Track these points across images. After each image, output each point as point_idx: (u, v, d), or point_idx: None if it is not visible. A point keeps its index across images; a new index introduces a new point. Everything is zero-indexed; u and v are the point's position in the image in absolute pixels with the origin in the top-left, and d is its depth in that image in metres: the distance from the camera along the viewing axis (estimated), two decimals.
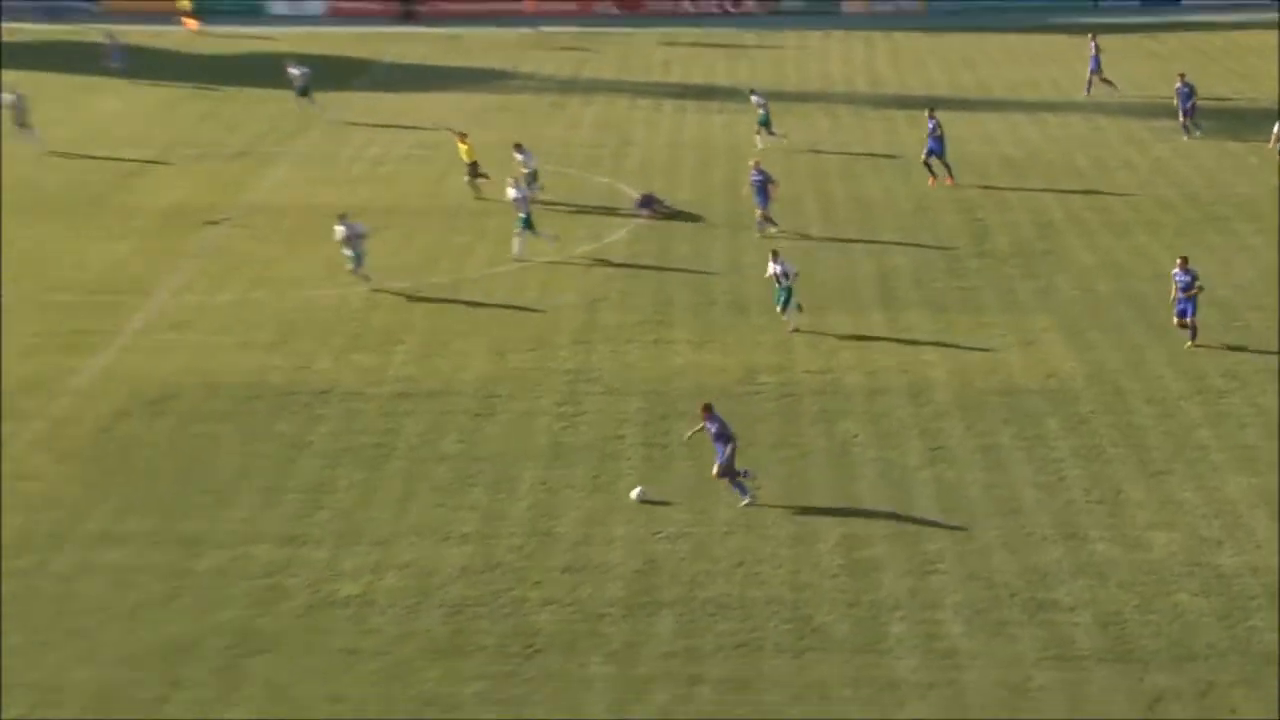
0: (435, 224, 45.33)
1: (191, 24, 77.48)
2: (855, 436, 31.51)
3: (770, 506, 28.53)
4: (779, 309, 36.73)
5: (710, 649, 24.04)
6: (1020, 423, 32.02)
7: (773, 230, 43.56)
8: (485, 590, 25.74)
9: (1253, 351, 35.44)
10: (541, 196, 45.36)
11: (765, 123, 53.82)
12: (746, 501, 28.51)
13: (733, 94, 61.30)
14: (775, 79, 66.77)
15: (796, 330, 36.46)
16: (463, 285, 40.39)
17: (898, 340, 36.60)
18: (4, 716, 22.30)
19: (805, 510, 28.48)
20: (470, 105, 61.52)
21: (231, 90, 64.03)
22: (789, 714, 22.43)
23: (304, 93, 59.78)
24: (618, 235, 44.97)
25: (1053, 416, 32.35)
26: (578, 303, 39.15)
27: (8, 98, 54.15)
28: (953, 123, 56.96)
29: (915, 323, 37.68)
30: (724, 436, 28.60)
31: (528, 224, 41.92)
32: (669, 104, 61.87)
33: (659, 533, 27.57)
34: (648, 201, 46.87)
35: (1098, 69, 61.81)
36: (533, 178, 45.76)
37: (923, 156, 49.49)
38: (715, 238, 44.03)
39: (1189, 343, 35.26)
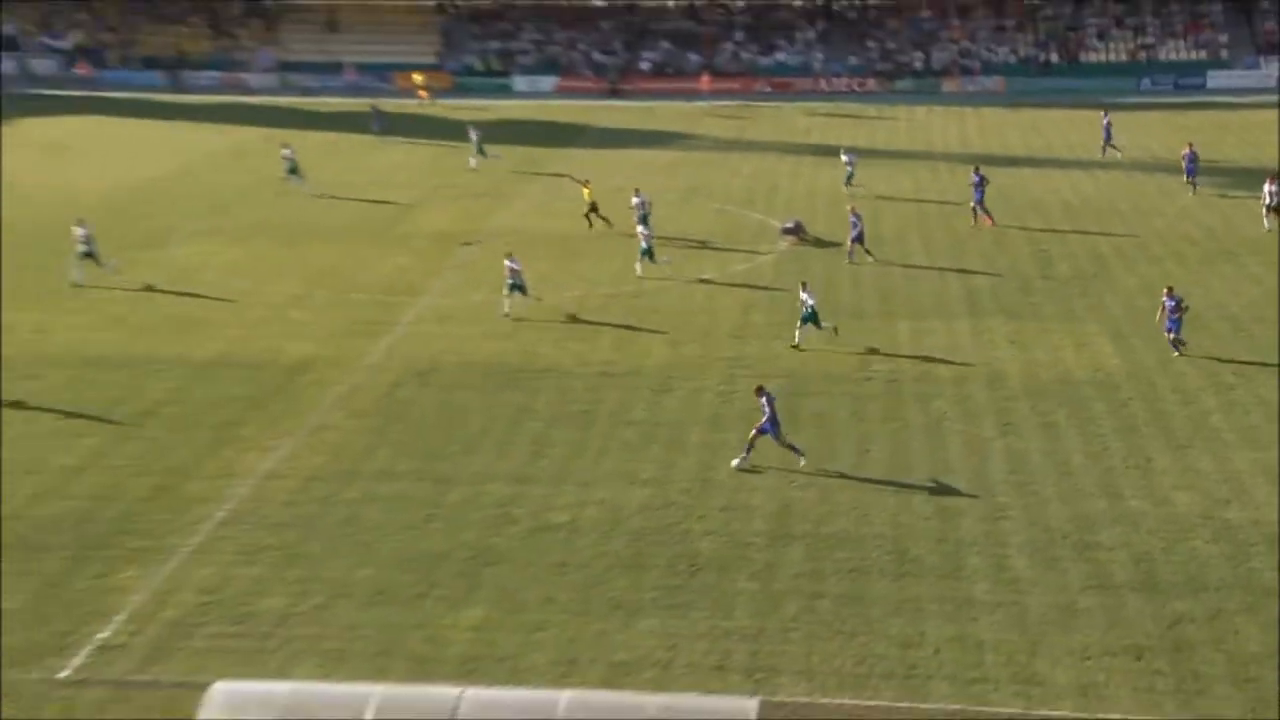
0: (628, 247, 45.32)
1: (424, 95, 77.62)
2: (945, 414, 30.89)
3: (878, 465, 28.11)
4: (798, 326, 35.00)
5: (829, 572, 23.72)
6: (1073, 406, 31.19)
7: (869, 259, 42.75)
8: (660, 522, 25.65)
9: (1257, 355, 34.24)
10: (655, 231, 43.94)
11: (850, 176, 53.06)
12: (740, 461, 27.80)
13: (863, 153, 60.40)
14: (889, 142, 65.95)
15: (796, 346, 34.85)
16: (646, 293, 40.30)
17: (979, 341, 35.86)
18: (309, 605, 22.63)
19: (905, 468, 27.99)
20: (658, 159, 61.46)
21: (486, 147, 64.65)
22: (890, 623, 22.05)
23: (480, 150, 59.60)
24: (766, 257, 44.58)
25: (1099, 401, 31.48)
26: (735, 307, 38.88)
27: (285, 151, 54.39)
28: (1024, 177, 56.02)
29: (993, 327, 36.86)
30: (771, 412, 27.81)
31: (647, 252, 41.45)
32: (808, 159, 61.27)
33: (793, 482, 27.26)
34: (796, 228, 46.33)
35: (1109, 138, 60.24)
36: (644, 219, 44.38)
37: (971, 203, 48.36)
38: (839, 260, 43.43)
39: (1175, 353, 34.08)
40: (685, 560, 24.15)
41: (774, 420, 27.80)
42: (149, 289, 40.68)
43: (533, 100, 79.79)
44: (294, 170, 53.51)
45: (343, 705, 17.34)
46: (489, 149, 59.69)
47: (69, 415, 30.74)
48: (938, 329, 36.85)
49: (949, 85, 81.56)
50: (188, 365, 34.11)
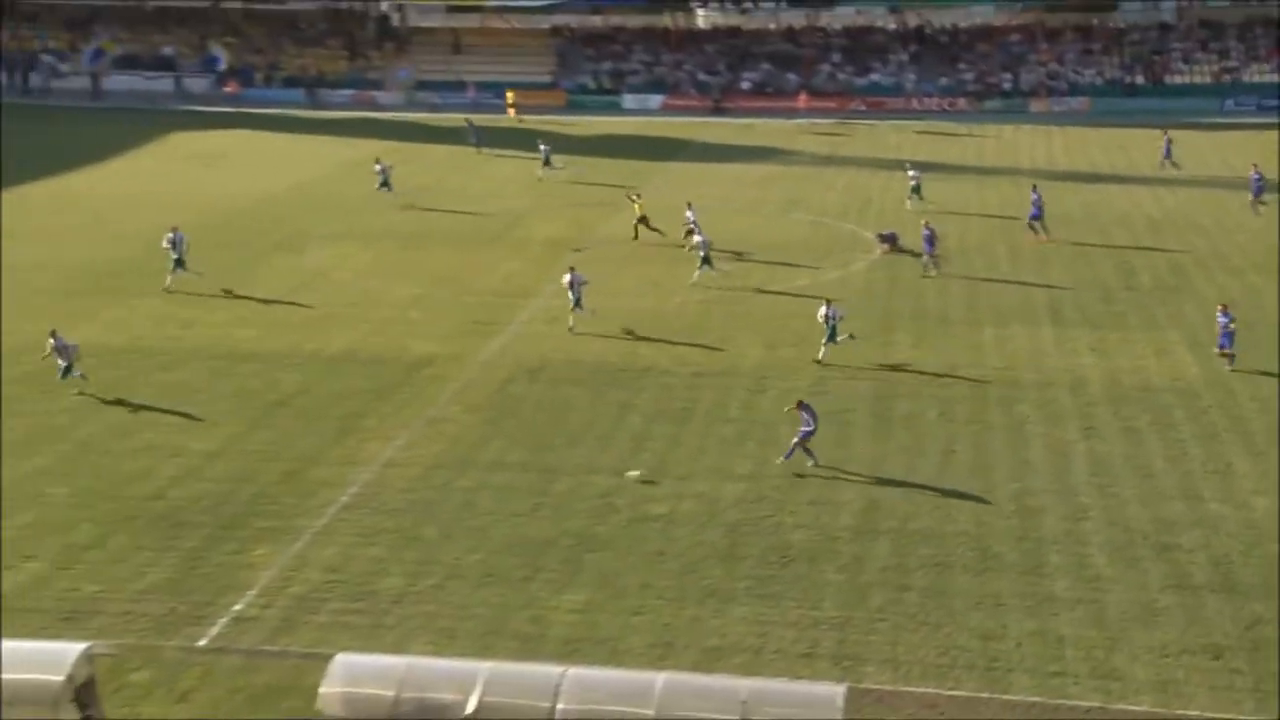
0: (724, 253, 44.94)
1: (513, 111, 77.53)
2: (1027, 417, 30.12)
3: (962, 465, 27.47)
4: (825, 341, 33.76)
5: (914, 566, 23.21)
6: (1154, 411, 30.23)
7: (933, 273, 41.80)
8: (754, 515, 25.31)
9: None
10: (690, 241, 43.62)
11: (916, 189, 51.85)
12: (785, 460, 27.23)
13: (944, 169, 59.55)
14: (977, 158, 64.62)
15: (820, 361, 33.64)
16: (744, 299, 39.88)
17: (1063, 348, 34.94)
18: (424, 585, 22.64)
19: (988, 469, 27.32)
20: (755, 174, 60.88)
21: (591, 160, 64.71)
22: (972, 616, 21.50)
23: (546, 162, 59.66)
24: (858, 265, 43.90)
25: (1179, 408, 30.48)
26: (828, 313, 38.25)
27: (378, 166, 54.55)
28: (1109, 193, 54.61)
29: (1076, 336, 35.90)
30: (810, 421, 27.17)
31: (706, 260, 40.85)
32: (899, 174, 60.10)
33: (880, 480, 26.73)
34: (891, 238, 45.59)
35: (1168, 154, 58.80)
36: (690, 231, 43.89)
37: (1027, 220, 46.75)
38: (939, 268, 42.57)
39: (1228, 367, 32.70)
40: (777, 552, 23.78)
41: (811, 425, 27.16)
42: (262, 299, 41.23)
43: (639, 117, 79.65)
44: (385, 183, 53.86)
45: (453, 681, 17.26)
46: (558, 159, 59.90)
47: (208, 403, 31.19)
48: (1022, 336, 35.97)
49: (1037, 105, 79.82)
50: (318, 360, 34.46)
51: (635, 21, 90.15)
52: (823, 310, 33.79)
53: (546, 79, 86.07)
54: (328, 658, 18.07)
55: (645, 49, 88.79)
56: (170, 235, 40.83)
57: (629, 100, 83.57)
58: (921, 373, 33.02)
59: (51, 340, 31.57)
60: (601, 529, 24.82)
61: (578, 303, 36.42)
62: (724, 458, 28.00)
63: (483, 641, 20.84)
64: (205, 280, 41.14)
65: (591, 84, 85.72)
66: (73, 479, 26.81)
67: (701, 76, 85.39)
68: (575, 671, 17.60)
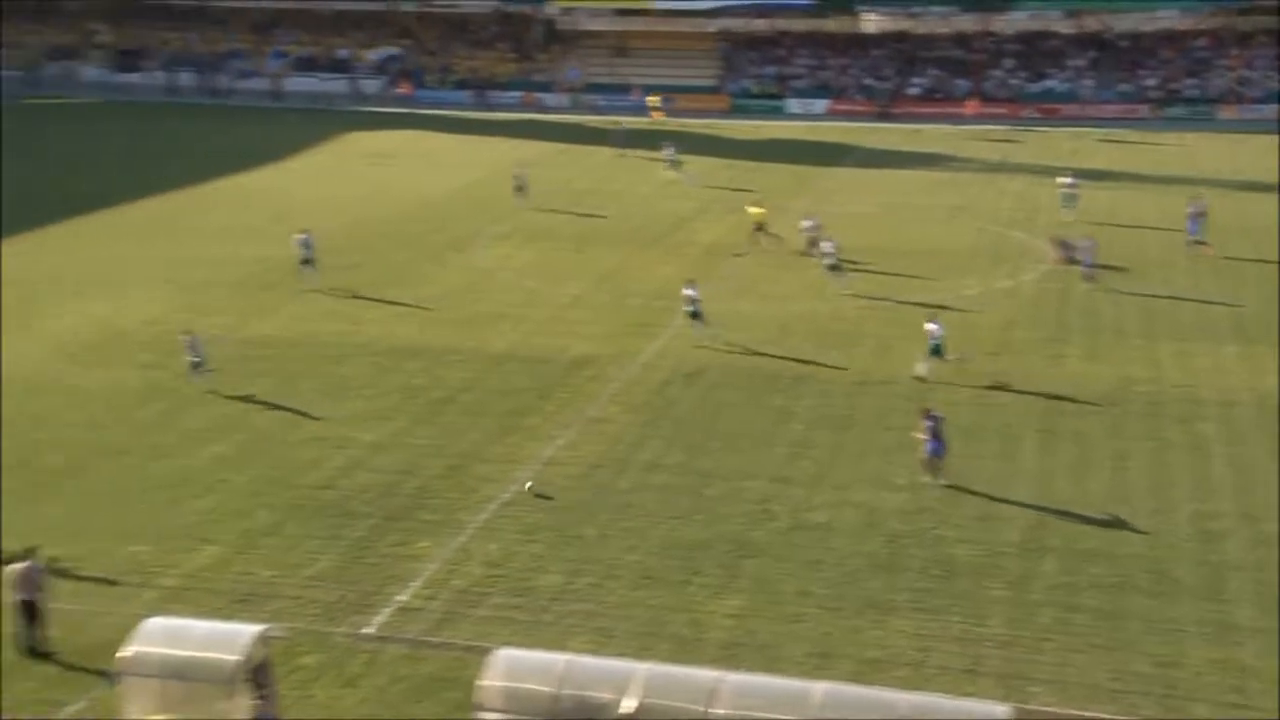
0: (884, 261, 44.31)
1: (658, 114, 77.64)
2: (1210, 436, 28.94)
3: (1136, 484, 26.54)
4: (925, 359, 32.74)
5: (1085, 586, 22.50)
6: None
7: (1093, 284, 40.52)
8: (915, 526, 24.87)
9: None
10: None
11: (1071, 199, 50.04)
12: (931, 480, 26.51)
13: (1121, 177, 57.72)
14: (1157, 167, 62.31)
15: (921, 379, 32.42)
16: (907, 306, 39.17)
17: (1248, 366, 33.48)
18: (582, 583, 22.81)
19: (1164, 488, 26.34)
20: (923, 179, 59.90)
21: (755, 164, 64.45)
22: (1147, 641, 20.74)
23: (673, 164, 59.96)
24: (1029, 275, 42.79)
25: None
26: (995, 323, 37.46)
27: (517, 170, 55.21)
28: None
29: (1262, 353, 34.36)
30: (937, 434, 26.49)
31: (835, 268, 40.45)
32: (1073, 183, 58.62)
33: (1047, 496, 26.00)
34: (1066, 246, 44.19)
35: None
36: (813, 242, 43.55)
37: (1193, 233, 44.76)
38: (1103, 281, 41.31)
39: None
40: (939, 565, 23.32)
41: (938, 441, 26.49)
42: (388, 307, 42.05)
43: (804, 121, 79.16)
44: (520, 189, 54.52)
45: (610, 680, 17.34)
46: (690, 163, 60.38)
47: (375, 397, 31.99)
48: (1203, 352, 34.62)
49: (1225, 112, 76.82)
50: (481, 357, 35.05)
51: (800, 25, 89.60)
52: (930, 326, 32.96)
53: (710, 82, 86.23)
54: (487, 651, 18.34)
55: (810, 53, 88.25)
56: (301, 237, 41.88)
57: (793, 104, 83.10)
58: (1093, 388, 32.03)
59: (186, 338, 32.47)
60: (759, 534, 24.67)
61: (696, 315, 35.77)
62: (885, 467, 27.58)
63: (640, 642, 20.89)
64: (369, 278, 42.24)
65: (755, 88, 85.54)
66: (249, 467, 27.76)
67: (867, 81, 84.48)
68: (734, 677, 17.52)
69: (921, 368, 32.61)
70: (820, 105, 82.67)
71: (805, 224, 45.32)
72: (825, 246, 41.74)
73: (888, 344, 35.65)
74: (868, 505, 25.78)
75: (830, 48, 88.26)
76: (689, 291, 36.08)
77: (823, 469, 27.62)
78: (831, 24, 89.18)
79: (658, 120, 76.01)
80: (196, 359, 32.19)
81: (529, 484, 26.74)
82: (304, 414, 30.87)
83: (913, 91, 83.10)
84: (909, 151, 67.93)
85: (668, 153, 61.08)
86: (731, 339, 36.01)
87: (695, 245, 47.64)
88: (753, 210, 47.32)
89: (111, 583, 22.78)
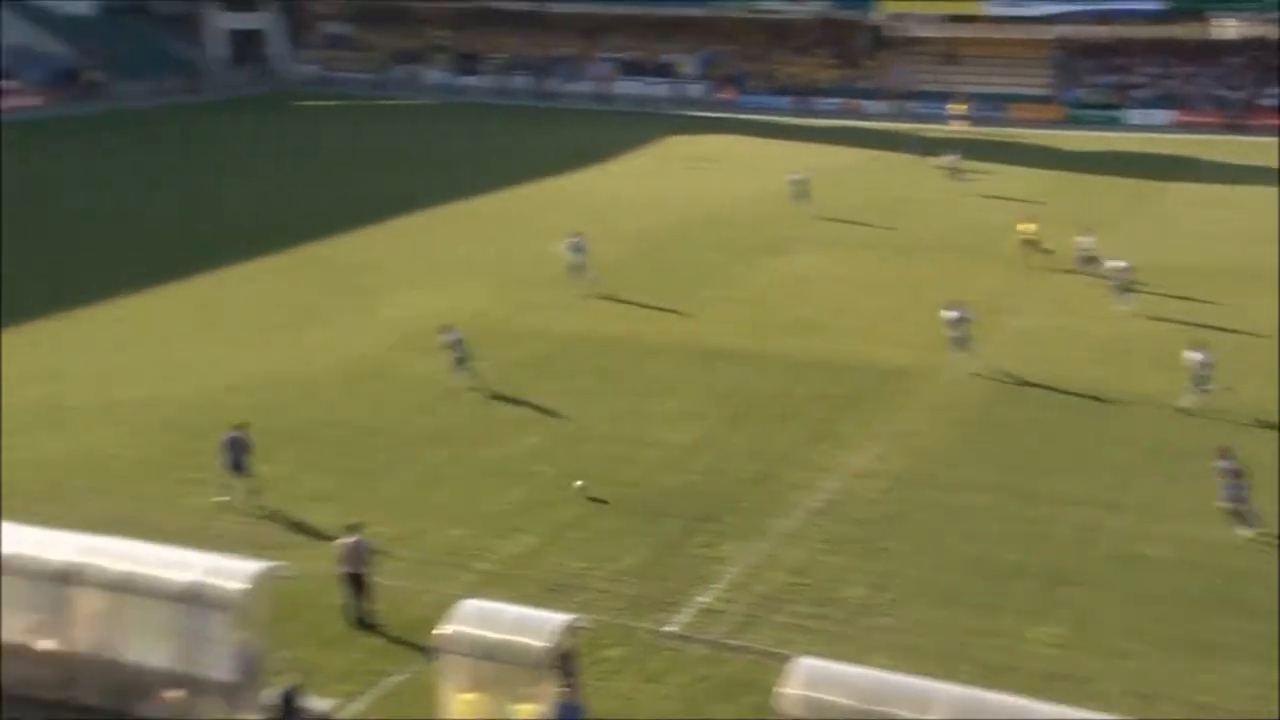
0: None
1: (959, 125, 75.11)
2: None
3: None
4: (1196, 388, 30.34)
5: None
6: None
7: None
8: (1260, 565, 23.10)
9: None
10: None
11: None
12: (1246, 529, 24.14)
13: None
14: None
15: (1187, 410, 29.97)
16: (1250, 339, 36.49)
17: None
18: (886, 599, 22.40)
19: None
20: (1274, 198, 55.76)
21: (1085, 177, 61.64)
22: None
23: (954, 172, 59.41)
24: None
25: None
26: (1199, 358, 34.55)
27: (948, 157, 56.34)
28: None
29: None
30: (1236, 473, 24.23)
31: (1124, 288, 38.48)
32: None
33: (1249, 539, 23.93)
34: None
35: None
36: (1088, 259, 42.18)
37: None
38: None
39: None
40: None
41: (1237, 477, 24.34)
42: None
43: (1143, 133, 75.27)
44: (802, 194, 53.81)
45: (912, 700, 16.87)
46: (973, 170, 59.51)
47: (686, 397, 32.39)
48: None
49: None
50: (792, 362, 34.96)
51: (1143, 33, 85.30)
52: (1193, 355, 30.61)
53: (1043, 92, 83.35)
54: (788, 659, 18.22)
55: (1153, 61, 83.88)
56: (573, 240, 42.35)
57: (1133, 115, 79.32)
58: None
59: (447, 336, 33.33)
60: (1079, 563, 23.54)
61: (960, 342, 33.85)
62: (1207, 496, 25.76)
63: (943, 663, 20.24)
64: (681, 279, 42.86)
65: (1088, 97, 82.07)
66: (560, 460, 28.63)
67: (1219, 91, 79.55)
68: (1044, 707, 16.76)
69: (1187, 399, 30.53)
70: (1162, 116, 78.58)
71: (1082, 241, 43.39)
72: (1114, 264, 39.59)
73: (1234, 373, 33.25)
74: (1204, 540, 24.18)
75: (1176, 56, 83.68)
76: (951, 314, 34.22)
77: (1155, 499, 26.11)
78: (1179, 30, 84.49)
79: (958, 129, 74.29)
80: (460, 356, 32.91)
81: (579, 483, 26.37)
82: (617, 410, 31.57)
83: (1269, 102, 77.67)
84: (1263, 167, 63.41)
85: (949, 159, 60.39)
86: (1056, 354, 34.59)
87: (1015, 258, 45.84)
88: (1023, 227, 45.62)
89: (432, 563, 23.94)
